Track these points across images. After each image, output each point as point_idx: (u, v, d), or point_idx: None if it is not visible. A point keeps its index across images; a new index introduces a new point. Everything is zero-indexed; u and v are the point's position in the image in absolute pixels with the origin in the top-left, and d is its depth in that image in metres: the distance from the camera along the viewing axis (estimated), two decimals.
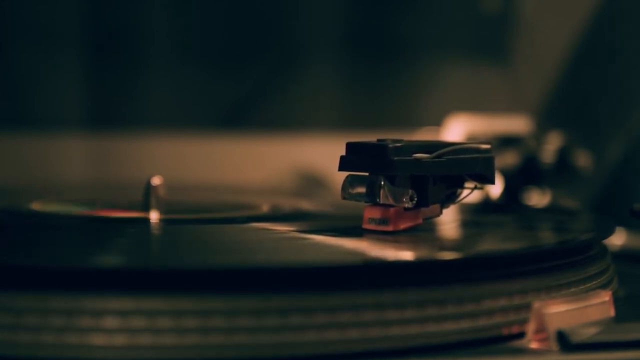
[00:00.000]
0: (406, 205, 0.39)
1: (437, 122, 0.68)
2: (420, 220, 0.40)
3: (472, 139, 0.62)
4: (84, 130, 0.73)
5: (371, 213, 0.39)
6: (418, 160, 0.38)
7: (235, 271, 0.32)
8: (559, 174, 0.61)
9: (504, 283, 0.34)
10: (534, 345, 0.33)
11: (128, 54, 0.74)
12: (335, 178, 0.41)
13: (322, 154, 0.69)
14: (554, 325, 0.33)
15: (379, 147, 0.38)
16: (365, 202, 0.39)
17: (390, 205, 0.39)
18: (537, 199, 0.60)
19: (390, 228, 0.39)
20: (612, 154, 0.68)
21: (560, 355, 0.32)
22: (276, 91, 0.77)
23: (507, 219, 0.50)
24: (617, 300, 0.37)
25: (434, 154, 0.39)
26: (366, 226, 0.39)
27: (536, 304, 0.33)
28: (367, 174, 0.39)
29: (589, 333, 0.33)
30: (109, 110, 0.74)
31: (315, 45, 0.77)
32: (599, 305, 0.35)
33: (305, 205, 0.53)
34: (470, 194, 0.41)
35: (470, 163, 0.40)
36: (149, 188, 0.46)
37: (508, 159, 0.61)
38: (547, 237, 0.45)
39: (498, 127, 0.63)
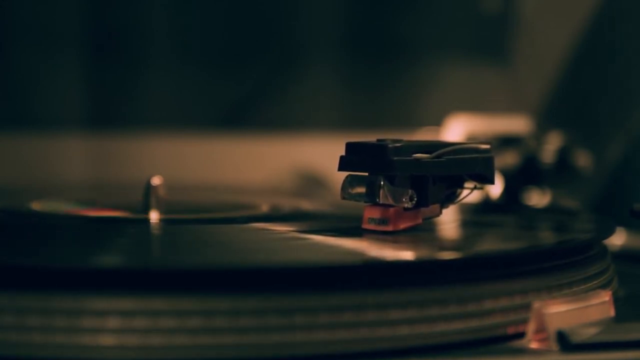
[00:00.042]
0: (406, 205, 0.39)
1: (437, 122, 0.68)
2: (420, 220, 0.40)
3: (472, 139, 0.62)
4: (84, 130, 0.73)
5: (371, 213, 0.39)
6: (418, 160, 0.38)
7: (236, 271, 0.32)
8: (559, 174, 0.61)
9: (504, 283, 0.34)
10: (534, 345, 0.33)
11: (128, 54, 0.74)
12: (335, 178, 0.41)
13: (322, 154, 0.69)
14: (554, 325, 0.33)
15: (379, 147, 0.38)
16: (365, 202, 0.39)
17: (390, 205, 0.39)
18: (537, 199, 0.60)
19: (390, 228, 0.39)
20: (612, 154, 0.68)
21: (560, 355, 0.32)
22: (276, 91, 0.77)
23: (507, 219, 0.50)
24: (617, 300, 0.37)
25: (434, 154, 0.39)
26: (366, 226, 0.39)
27: (536, 304, 0.33)
28: (366, 174, 0.39)
29: (589, 333, 0.33)
30: (109, 110, 0.74)
31: (315, 45, 0.77)
32: (599, 305, 0.35)
33: (305, 205, 0.53)
34: (470, 194, 0.41)
35: (470, 163, 0.40)
36: (149, 188, 0.46)
37: (508, 159, 0.61)
38: (547, 237, 0.45)
39: (498, 127, 0.63)
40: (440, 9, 0.79)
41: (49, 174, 0.72)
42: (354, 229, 0.39)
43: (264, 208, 0.49)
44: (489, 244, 0.41)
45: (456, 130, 0.64)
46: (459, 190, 0.41)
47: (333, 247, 0.37)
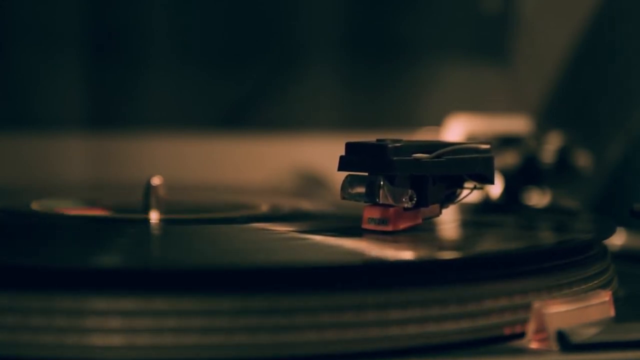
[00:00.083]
0: (405, 205, 0.39)
1: (437, 122, 0.68)
2: (419, 220, 0.40)
3: (472, 139, 0.62)
4: (84, 130, 0.73)
5: (371, 213, 0.39)
6: (417, 160, 0.38)
7: (236, 271, 0.32)
8: (559, 174, 0.61)
9: (504, 283, 0.34)
10: (534, 345, 0.33)
11: (128, 54, 0.74)
12: (335, 178, 0.41)
13: (322, 154, 0.69)
14: (554, 325, 0.33)
15: (379, 147, 0.38)
16: (365, 202, 0.39)
17: (390, 205, 0.39)
18: (537, 199, 0.60)
19: (389, 228, 0.39)
20: (612, 154, 0.68)
21: (560, 355, 0.32)
22: (276, 91, 0.77)
23: (507, 219, 0.50)
24: (617, 300, 0.37)
25: (434, 154, 0.39)
26: (366, 226, 0.39)
27: (536, 304, 0.33)
28: (366, 174, 0.39)
29: (589, 333, 0.33)
30: (109, 110, 0.74)
31: (315, 45, 0.77)
32: (599, 305, 0.35)
33: (305, 205, 0.53)
34: (469, 194, 0.41)
35: (470, 163, 0.40)
36: (149, 188, 0.46)
37: (508, 159, 0.61)
38: (547, 237, 0.45)
39: (498, 127, 0.63)
40: (440, 9, 0.79)
41: (49, 174, 0.72)
42: (354, 229, 0.39)
43: (264, 208, 0.49)
44: (489, 244, 0.41)
45: (456, 130, 0.64)
46: (458, 190, 0.41)
47: (333, 247, 0.37)
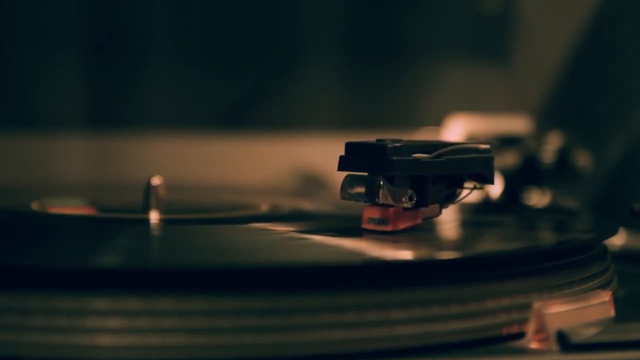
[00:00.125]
0: (405, 205, 0.39)
1: (437, 122, 0.68)
2: (419, 220, 0.40)
3: (472, 139, 0.62)
4: (84, 130, 0.73)
5: (370, 213, 0.39)
6: (417, 160, 0.38)
7: (236, 271, 0.32)
8: (559, 174, 0.61)
9: (504, 283, 0.34)
10: (534, 345, 0.33)
11: (128, 54, 0.74)
12: (335, 178, 0.41)
13: (322, 154, 0.69)
14: (554, 325, 0.33)
15: (378, 147, 0.38)
16: (365, 202, 0.39)
17: (390, 205, 0.39)
18: (537, 199, 0.60)
19: (389, 228, 0.39)
20: (612, 154, 0.68)
21: (560, 355, 0.32)
22: (276, 91, 0.77)
23: (507, 219, 0.50)
24: (617, 300, 0.37)
25: (433, 154, 0.39)
26: (365, 226, 0.39)
27: (536, 304, 0.33)
28: (366, 173, 0.39)
29: (589, 333, 0.33)
30: (109, 110, 0.74)
31: (315, 45, 0.77)
32: (599, 305, 0.35)
33: (305, 205, 0.53)
34: (469, 194, 0.41)
35: (470, 163, 0.40)
36: (149, 188, 0.46)
37: (508, 159, 0.61)
38: (547, 237, 0.45)
39: (498, 127, 0.63)
40: (440, 9, 0.79)
41: (49, 174, 0.72)
42: (354, 229, 0.39)
43: (264, 208, 0.49)
44: (490, 244, 0.41)
45: (456, 130, 0.64)
46: (458, 190, 0.41)
47: (333, 247, 0.37)
